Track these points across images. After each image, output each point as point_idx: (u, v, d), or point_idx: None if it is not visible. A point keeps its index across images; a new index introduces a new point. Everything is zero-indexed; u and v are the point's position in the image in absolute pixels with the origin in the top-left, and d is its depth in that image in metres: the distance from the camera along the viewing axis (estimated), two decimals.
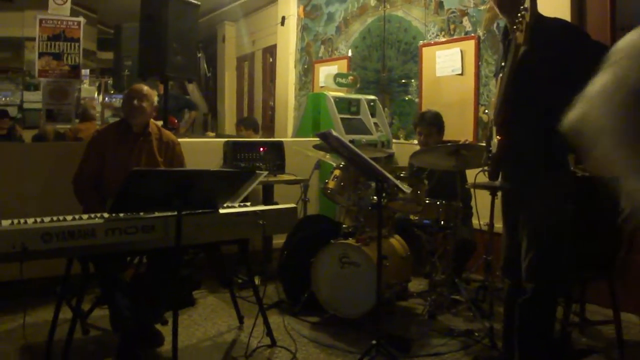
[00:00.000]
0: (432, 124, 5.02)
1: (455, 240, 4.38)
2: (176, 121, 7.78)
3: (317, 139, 4.13)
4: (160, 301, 3.64)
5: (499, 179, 3.07)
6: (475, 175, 3.97)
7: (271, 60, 10.33)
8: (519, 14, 2.53)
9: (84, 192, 3.85)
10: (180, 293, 4.42)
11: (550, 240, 2.81)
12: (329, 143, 3.27)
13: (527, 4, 2.50)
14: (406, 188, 3.50)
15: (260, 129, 8.46)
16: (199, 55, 11.86)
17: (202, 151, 5.47)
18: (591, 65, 2.81)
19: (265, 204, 3.84)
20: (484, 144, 3.31)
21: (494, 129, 2.93)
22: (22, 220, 2.97)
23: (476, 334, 3.93)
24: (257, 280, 4.71)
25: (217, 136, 9.41)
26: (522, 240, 2.89)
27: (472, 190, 4.59)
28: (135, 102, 3.92)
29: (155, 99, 4.10)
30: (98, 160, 3.88)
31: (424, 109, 6.13)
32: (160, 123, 4.91)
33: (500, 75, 2.88)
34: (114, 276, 3.45)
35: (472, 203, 4.71)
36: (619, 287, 3.64)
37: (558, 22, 2.90)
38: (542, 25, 2.75)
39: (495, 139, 2.86)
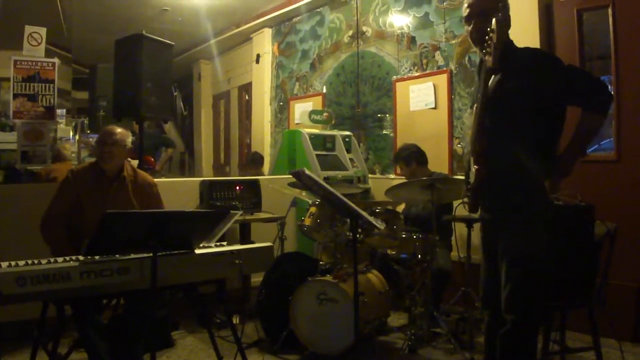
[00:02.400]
0: (397, 159, 5.34)
1: (432, 271, 4.40)
2: (153, 160, 7.75)
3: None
4: (138, 343, 3.59)
5: (479, 210, 3.08)
6: (454, 207, 4.02)
7: (247, 97, 10.39)
8: (487, 37, 2.57)
9: (52, 231, 3.74)
10: (159, 334, 4.37)
11: (530, 270, 2.79)
12: (302, 181, 3.27)
13: (493, 26, 2.54)
14: (380, 224, 3.50)
15: (237, 167, 8.47)
16: (175, 94, 11.89)
17: (178, 191, 5.46)
18: (564, 90, 2.85)
19: (242, 243, 3.82)
20: (462, 177, 3.32)
21: (472, 159, 2.95)
22: None
23: None
24: (236, 319, 4.69)
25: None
26: (502, 270, 2.87)
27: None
28: (106, 147, 3.85)
29: (130, 139, 4.02)
30: (70, 201, 3.81)
31: (398, 143, 6.22)
32: (136, 162, 4.89)
33: (476, 105, 2.90)
34: (91, 319, 3.40)
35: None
36: (598, 313, 3.66)
37: (528, 51, 2.94)
38: (513, 54, 2.79)
39: (473, 168, 2.87)
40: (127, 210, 3.79)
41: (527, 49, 2.95)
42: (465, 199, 3.04)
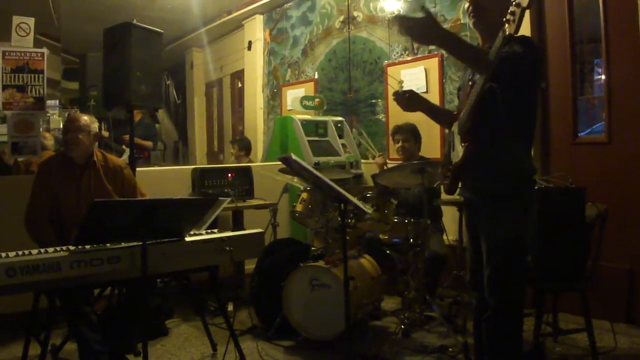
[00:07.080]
0: (409, 131, 5.24)
1: (426, 255, 4.40)
2: (147, 153, 7.71)
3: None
4: (132, 332, 3.60)
5: (458, 191, 3.06)
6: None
7: (239, 85, 10.34)
8: (513, 2, 2.35)
9: (37, 229, 3.71)
10: (152, 323, 4.38)
11: (510, 254, 2.77)
12: (290, 167, 3.26)
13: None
14: (368, 209, 3.50)
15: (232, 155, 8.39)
16: (168, 82, 11.83)
17: (171, 179, 5.46)
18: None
19: (235, 230, 3.82)
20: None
21: (456, 140, 2.93)
22: None
23: (450, 349, 3.94)
24: (230, 306, 4.71)
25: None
26: (483, 252, 2.86)
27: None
28: (70, 134, 3.83)
29: (95, 125, 3.99)
30: (47, 194, 3.78)
31: (390, 128, 6.19)
32: (128, 152, 4.87)
33: (471, 85, 2.83)
34: (80, 310, 3.39)
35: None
36: (590, 295, 3.68)
37: (519, 39, 2.89)
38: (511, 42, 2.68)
39: (460, 145, 2.85)
40: (103, 196, 3.78)
41: (520, 37, 2.90)
42: (445, 181, 3.02)
